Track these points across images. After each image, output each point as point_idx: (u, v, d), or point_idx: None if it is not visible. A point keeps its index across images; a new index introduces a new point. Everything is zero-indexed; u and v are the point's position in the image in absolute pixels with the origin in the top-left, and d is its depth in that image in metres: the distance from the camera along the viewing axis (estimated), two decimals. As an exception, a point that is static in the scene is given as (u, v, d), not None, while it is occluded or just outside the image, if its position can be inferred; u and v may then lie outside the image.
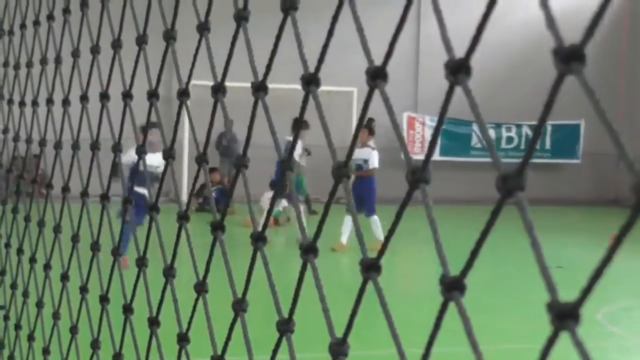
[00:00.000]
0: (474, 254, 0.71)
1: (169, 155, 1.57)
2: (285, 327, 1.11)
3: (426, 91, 20.92)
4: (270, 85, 1.28)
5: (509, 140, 21.44)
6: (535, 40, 20.01)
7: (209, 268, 1.44)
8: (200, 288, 1.42)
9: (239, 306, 1.25)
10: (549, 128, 21.50)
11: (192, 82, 1.57)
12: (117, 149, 1.94)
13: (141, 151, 1.52)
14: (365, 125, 12.85)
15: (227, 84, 1.41)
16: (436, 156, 20.48)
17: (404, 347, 0.90)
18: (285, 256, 10.49)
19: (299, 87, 1.13)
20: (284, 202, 14.97)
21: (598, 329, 7.93)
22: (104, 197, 2.05)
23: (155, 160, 10.24)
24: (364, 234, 1.00)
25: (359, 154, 12.40)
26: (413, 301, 8.47)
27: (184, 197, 16.96)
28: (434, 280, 0.81)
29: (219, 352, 1.35)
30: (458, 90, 0.83)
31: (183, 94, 1.49)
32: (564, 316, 0.63)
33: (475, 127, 21.00)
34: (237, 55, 1.34)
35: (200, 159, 1.43)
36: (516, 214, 0.72)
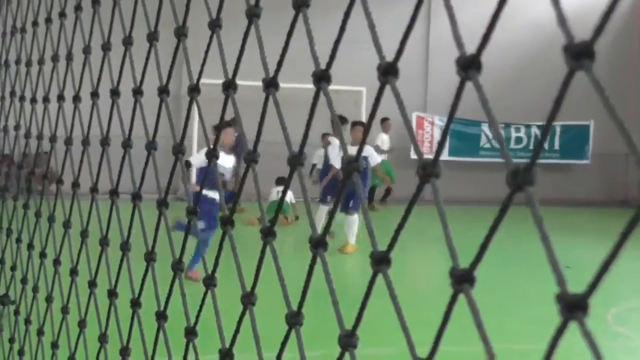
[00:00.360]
0: (484, 246, 0.71)
1: (179, 150, 1.58)
2: (294, 320, 1.12)
3: (435, 91, 20.89)
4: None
5: (518, 140, 21.35)
6: (544, 42, 19.96)
7: (218, 262, 1.45)
8: (209, 282, 1.42)
9: (248, 299, 1.26)
10: (558, 128, 21.41)
11: (201, 80, 1.57)
12: (127, 144, 1.96)
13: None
14: (362, 123, 12.91)
15: (236, 81, 1.41)
16: (445, 156, 20.41)
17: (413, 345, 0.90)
18: (294, 256, 10.48)
19: (304, 85, 1.14)
20: (292, 197, 14.94)
21: (605, 328, 7.91)
22: (113, 193, 2.07)
23: (228, 161, 9.51)
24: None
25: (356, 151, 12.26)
26: (421, 299, 8.46)
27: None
28: (443, 279, 0.81)
29: (227, 346, 1.36)
30: (467, 90, 0.83)
31: (194, 90, 1.50)
32: (573, 307, 0.64)
33: (484, 127, 20.93)
34: (244, 53, 1.34)
35: (210, 155, 1.43)
36: (524, 215, 0.72)
